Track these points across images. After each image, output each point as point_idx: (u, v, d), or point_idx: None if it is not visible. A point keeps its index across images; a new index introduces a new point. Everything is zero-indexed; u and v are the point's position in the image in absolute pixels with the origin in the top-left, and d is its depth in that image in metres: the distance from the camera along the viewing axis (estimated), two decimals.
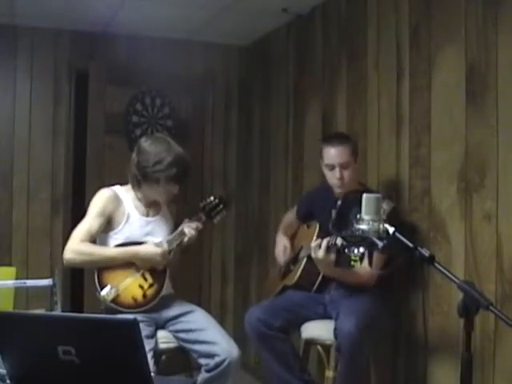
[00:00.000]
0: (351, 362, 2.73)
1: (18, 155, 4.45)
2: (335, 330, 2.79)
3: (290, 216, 3.53)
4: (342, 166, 2.99)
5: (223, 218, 3.25)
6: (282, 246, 3.37)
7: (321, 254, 2.75)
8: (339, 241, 2.50)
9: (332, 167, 3.01)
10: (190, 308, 3.03)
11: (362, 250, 2.08)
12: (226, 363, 2.77)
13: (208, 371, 2.81)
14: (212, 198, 3.15)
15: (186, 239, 3.00)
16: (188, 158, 2.98)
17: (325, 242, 2.75)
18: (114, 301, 2.86)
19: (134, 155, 2.98)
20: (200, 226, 3.06)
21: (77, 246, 2.86)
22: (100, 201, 2.95)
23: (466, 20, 2.79)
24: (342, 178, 2.99)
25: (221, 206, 3.14)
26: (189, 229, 3.00)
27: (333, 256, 2.76)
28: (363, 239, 2.03)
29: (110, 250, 2.94)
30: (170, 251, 2.98)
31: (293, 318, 3.04)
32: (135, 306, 2.88)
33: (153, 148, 2.91)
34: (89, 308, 4.15)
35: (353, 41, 3.65)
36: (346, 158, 2.99)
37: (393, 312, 3.12)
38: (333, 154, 3.01)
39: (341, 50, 3.76)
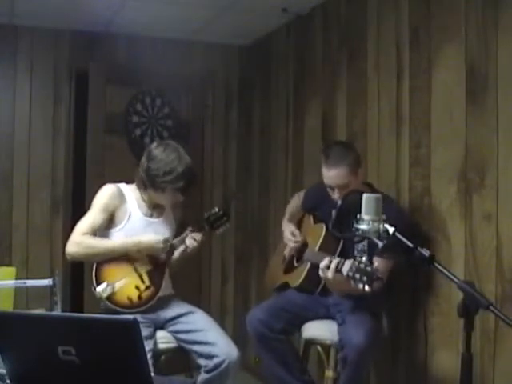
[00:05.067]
0: (357, 371, 2.72)
1: (17, 155, 4.45)
2: (341, 340, 2.77)
3: (297, 201, 3.46)
4: (340, 188, 2.88)
5: (226, 231, 3.23)
6: (289, 232, 3.29)
7: (330, 275, 2.65)
8: (345, 269, 2.43)
9: (330, 187, 2.95)
10: (190, 309, 3.03)
11: (367, 288, 2.05)
12: (225, 364, 2.77)
13: (207, 372, 2.81)
14: (216, 210, 3.14)
15: (188, 250, 3.01)
16: (195, 168, 3.01)
17: (334, 265, 2.64)
18: (109, 299, 2.87)
19: (143, 160, 2.98)
20: (202, 237, 3.04)
21: (80, 239, 2.88)
22: (104, 196, 2.97)
23: (466, 20, 2.79)
24: (340, 196, 2.91)
25: (225, 218, 3.13)
26: (191, 240, 3.01)
27: (341, 276, 2.63)
28: (363, 239, 2.03)
29: (113, 241, 2.96)
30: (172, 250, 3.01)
31: (294, 319, 3.04)
32: (130, 307, 2.88)
33: (164, 156, 2.92)
34: (89, 308, 4.15)
35: (353, 41, 3.65)
36: (344, 179, 2.86)
37: (392, 314, 3.12)
38: (329, 176, 2.89)
39: (341, 50, 3.76)
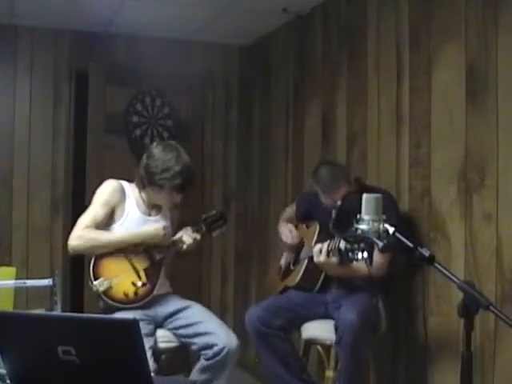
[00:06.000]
0: (353, 354, 2.73)
1: (17, 155, 4.45)
2: (337, 321, 2.80)
3: (290, 212, 3.53)
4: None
5: (222, 233, 3.28)
6: (287, 231, 3.35)
7: (322, 258, 2.77)
8: (342, 244, 2.49)
9: (330, 205, 3.00)
10: (187, 303, 3.05)
11: (365, 255, 2.07)
12: (224, 352, 2.78)
13: (206, 360, 2.82)
14: (214, 212, 3.18)
15: (184, 247, 3.03)
16: (194, 168, 3.04)
17: (325, 247, 2.77)
18: (105, 293, 2.88)
19: (143, 158, 3.03)
20: (199, 237, 3.07)
21: (82, 232, 2.90)
22: (106, 191, 3.00)
23: (466, 20, 2.79)
24: None
25: (221, 221, 3.17)
26: (187, 237, 3.03)
27: (334, 259, 2.76)
28: (363, 239, 2.03)
29: (115, 233, 2.98)
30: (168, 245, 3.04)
31: (293, 318, 3.05)
32: (126, 302, 2.90)
33: (163, 155, 2.96)
34: (89, 308, 4.15)
35: (353, 41, 3.65)
36: (342, 194, 2.95)
37: (392, 313, 3.12)
38: (330, 200, 2.99)
39: (341, 50, 3.76)
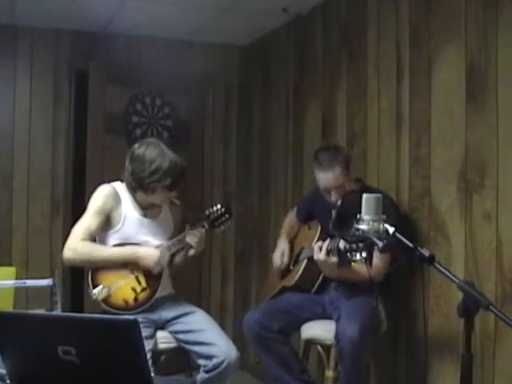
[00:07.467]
0: (353, 365, 2.73)
1: (18, 155, 4.46)
2: (337, 334, 2.79)
3: (291, 216, 3.53)
4: (336, 188, 2.96)
5: (227, 228, 3.22)
6: (280, 252, 3.35)
7: (322, 256, 2.78)
8: (342, 244, 2.50)
9: (326, 189, 3.00)
10: (190, 309, 3.02)
11: (364, 254, 2.08)
12: (224, 365, 2.77)
13: (206, 372, 2.81)
14: (219, 207, 3.09)
15: (191, 251, 2.98)
16: (182, 162, 2.93)
17: (325, 245, 2.78)
18: (104, 301, 2.85)
19: (127, 163, 2.93)
20: (203, 233, 3.01)
21: (76, 245, 2.84)
22: (100, 198, 2.93)
23: (466, 20, 2.79)
24: (336, 197, 2.97)
25: (226, 215, 3.09)
26: (191, 237, 2.97)
27: (334, 258, 2.77)
28: (363, 239, 2.03)
29: (110, 249, 2.92)
30: (171, 255, 2.99)
31: (292, 321, 3.05)
32: (126, 309, 2.86)
33: (147, 156, 2.86)
34: (89, 308, 4.15)
35: (353, 41, 3.65)
36: (339, 180, 2.95)
37: (392, 313, 3.12)
38: (326, 179, 2.96)
39: (341, 50, 3.76)
